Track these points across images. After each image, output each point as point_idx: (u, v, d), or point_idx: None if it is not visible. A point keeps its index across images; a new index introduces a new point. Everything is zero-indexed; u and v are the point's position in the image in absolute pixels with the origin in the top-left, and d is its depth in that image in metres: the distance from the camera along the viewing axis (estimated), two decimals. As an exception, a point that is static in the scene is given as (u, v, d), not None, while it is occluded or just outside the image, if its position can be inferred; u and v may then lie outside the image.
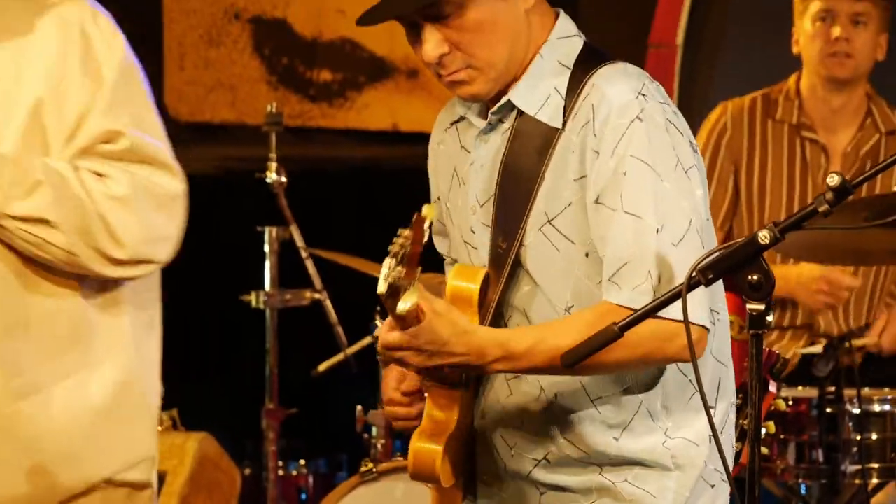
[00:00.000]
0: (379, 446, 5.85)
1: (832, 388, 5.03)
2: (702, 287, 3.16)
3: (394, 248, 3.25)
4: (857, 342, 5.26)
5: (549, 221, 3.51)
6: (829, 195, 3.07)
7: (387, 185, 6.94)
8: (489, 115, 3.61)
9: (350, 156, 7.13)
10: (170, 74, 7.37)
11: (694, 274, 3.12)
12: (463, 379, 3.55)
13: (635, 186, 3.42)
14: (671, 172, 3.43)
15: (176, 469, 6.08)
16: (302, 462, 6.44)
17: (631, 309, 3.30)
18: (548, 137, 3.54)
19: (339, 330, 6.02)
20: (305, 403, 6.11)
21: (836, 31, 5.54)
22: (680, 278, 3.29)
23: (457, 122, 3.74)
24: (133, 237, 3.71)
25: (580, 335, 3.30)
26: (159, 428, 6.46)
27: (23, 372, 3.76)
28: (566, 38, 3.61)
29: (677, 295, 3.19)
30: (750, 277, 3.12)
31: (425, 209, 3.23)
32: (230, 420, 6.37)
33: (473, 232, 3.65)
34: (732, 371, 3.69)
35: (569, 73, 3.56)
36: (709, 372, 3.57)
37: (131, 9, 7.42)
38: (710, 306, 3.47)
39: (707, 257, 3.13)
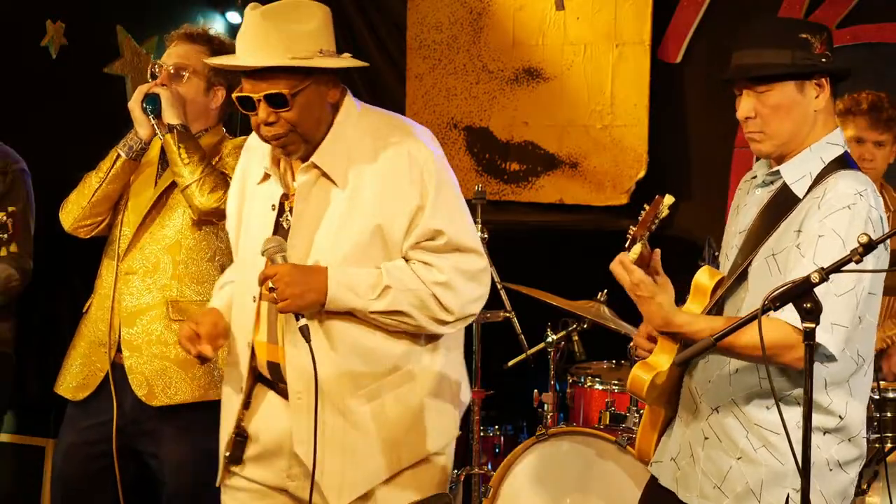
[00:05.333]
0: (549, 417, 5.84)
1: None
2: (828, 308, 3.18)
3: (640, 218, 3.42)
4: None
5: (772, 255, 3.59)
6: (861, 249, 3.07)
7: (555, 241, 6.91)
8: (765, 176, 3.71)
9: (530, 220, 7.09)
10: (410, 165, 7.40)
11: (767, 302, 3.12)
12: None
13: (826, 248, 3.44)
14: None
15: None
16: (496, 427, 6.40)
17: (792, 325, 3.37)
18: (792, 202, 3.60)
19: (522, 338, 6.00)
20: (499, 387, 6.09)
21: (867, 157, 5.43)
22: (832, 317, 3.33)
23: (752, 178, 3.82)
24: (456, 305, 3.74)
25: (738, 337, 3.37)
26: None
27: (365, 385, 3.79)
28: (833, 145, 3.64)
29: (754, 317, 3.20)
30: (805, 305, 3.11)
31: (668, 198, 3.41)
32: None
33: (732, 249, 3.74)
34: (871, 367, 3.69)
35: (823, 166, 3.60)
36: (840, 367, 3.55)
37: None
38: (858, 314, 3.50)
39: (775, 291, 3.13)
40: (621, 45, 6.89)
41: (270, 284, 3.66)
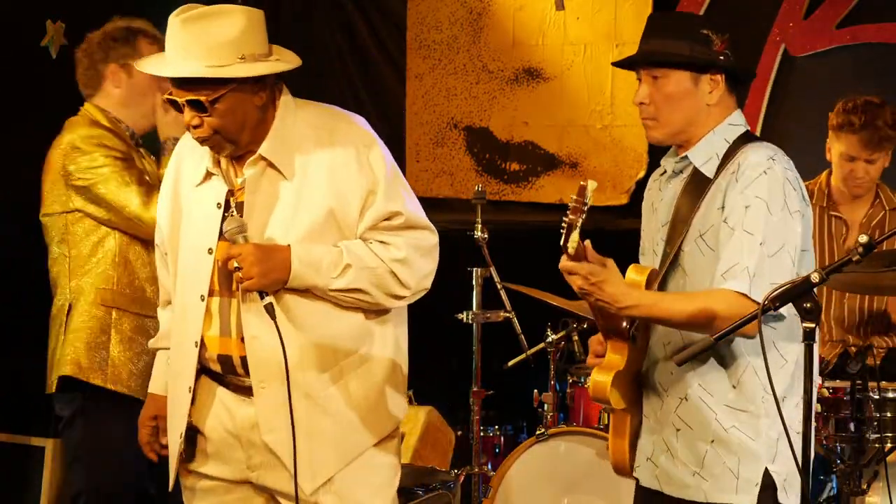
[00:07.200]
0: (549, 417, 5.85)
1: (860, 381, 4.97)
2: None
3: (570, 208, 3.42)
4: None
5: (700, 236, 3.66)
6: (860, 249, 3.08)
7: (555, 241, 6.90)
8: (674, 165, 3.79)
9: (530, 220, 7.11)
10: (410, 164, 7.41)
11: (767, 302, 3.13)
12: (630, 334, 3.66)
13: (753, 215, 3.54)
14: (779, 211, 3.53)
15: (411, 431, 6.09)
16: (496, 427, 6.39)
17: (740, 293, 3.48)
18: (705, 183, 3.68)
19: (522, 338, 6.00)
20: (499, 387, 6.08)
21: (858, 173, 5.39)
22: (768, 277, 3.45)
23: (662, 174, 3.89)
24: (413, 281, 3.82)
25: (688, 304, 3.50)
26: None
27: (328, 368, 3.82)
28: (734, 126, 3.74)
29: (754, 317, 3.21)
30: (805, 304, 3.12)
31: (591, 183, 3.41)
32: (448, 397, 6.37)
33: (658, 244, 3.78)
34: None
35: (728, 145, 3.69)
36: (789, 323, 3.59)
37: (385, 123, 7.47)
38: (796, 271, 3.57)
39: (775, 291, 3.15)
40: (621, 45, 6.89)
41: (235, 264, 3.70)
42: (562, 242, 3.43)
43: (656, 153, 6.78)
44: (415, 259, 3.83)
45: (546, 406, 5.86)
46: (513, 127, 7.20)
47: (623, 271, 3.56)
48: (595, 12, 6.96)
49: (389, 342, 3.93)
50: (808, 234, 3.65)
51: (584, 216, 3.40)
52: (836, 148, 5.42)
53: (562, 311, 5.80)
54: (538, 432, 5.61)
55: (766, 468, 3.64)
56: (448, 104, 7.37)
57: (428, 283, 3.91)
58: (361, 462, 3.89)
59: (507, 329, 5.98)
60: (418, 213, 3.89)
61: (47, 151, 4.90)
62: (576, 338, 5.99)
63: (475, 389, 5.88)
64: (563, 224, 3.42)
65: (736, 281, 3.48)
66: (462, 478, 5.88)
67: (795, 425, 3.59)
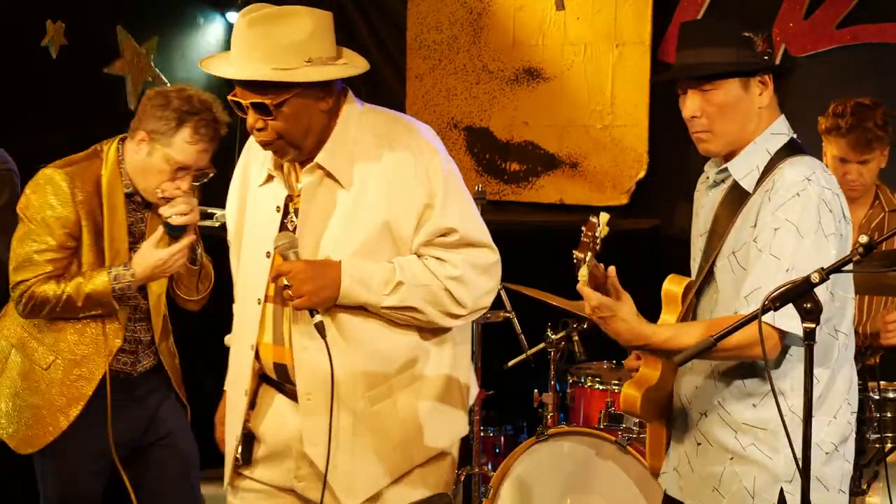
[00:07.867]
0: (549, 417, 5.84)
1: (860, 381, 4.95)
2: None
3: (579, 244, 3.41)
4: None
5: (733, 252, 3.60)
6: (861, 249, 3.08)
7: (555, 241, 6.90)
8: (715, 175, 3.74)
9: (530, 220, 7.11)
10: (410, 165, 7.42)
11: (767, 302, 3.12)
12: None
13: (782, 239, 3.47)
14: (811, 234, 3.46)
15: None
16: (496, 427, 6.40)
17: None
18: (743, 197, 3.62)
19: (522, 338, 6.01)
20: (499, 387, 6.08)
21: (851, 176, 5.33)
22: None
23: (706, 180, 3.83)
24: (469, 299, 3.74)
25: (702, 336, 3.37)
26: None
27: (378, 384, 3.76)
28: (777, 135, 3.66)
29: (754, 317, 3.21)
30: (805, 305, 3.11)
31: (602, 216, 3.40)
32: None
33: (697, 252, 3.75)
34: (852, 340, 3.73)
35: (769, 157, 3.62)
36: (818, 346, 3.46)
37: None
38: (830, 291, 3.52)
39: (775, 291, 3.13)
40: (621, 45, 6.90)
41: (285, 281, 3.65)
42: (576, 271, 3.43)
43: (656, 153, 6.81)
44: (472, 277, 3.74)
45: (546, 406, 5.86)
46: (513, 127, 7.20)
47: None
48: (595, 12, 6.96)
49: (446, 360, 3.86)
50: (845, 253, 3.53)
51: (595, 250, 3.38)
52: (829, 152, 5.40)
53: (562, 311, 5.79)
54: (538, 432, 5.60)
55: (782, 488, 3.58)
56: (448, 104, 7.37)
57: (487, 302, 3.83)
58: (411, 479, 3.85)
59: (507, 329, 5.98)
60: (477, 229, 3.79)
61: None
62: (576, 338, 5.99)
63: (476, 389, 5.87)
64: (574, 260, 3.41)
65: (756, 308, 3.36)
66: (462, 478, 5.87)
67: (826, 445, 3.62)
